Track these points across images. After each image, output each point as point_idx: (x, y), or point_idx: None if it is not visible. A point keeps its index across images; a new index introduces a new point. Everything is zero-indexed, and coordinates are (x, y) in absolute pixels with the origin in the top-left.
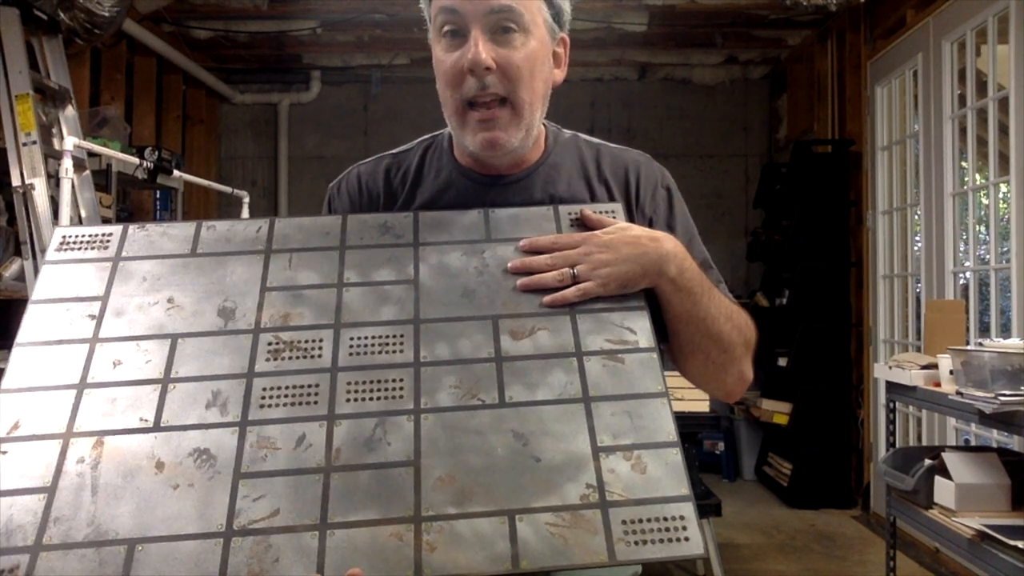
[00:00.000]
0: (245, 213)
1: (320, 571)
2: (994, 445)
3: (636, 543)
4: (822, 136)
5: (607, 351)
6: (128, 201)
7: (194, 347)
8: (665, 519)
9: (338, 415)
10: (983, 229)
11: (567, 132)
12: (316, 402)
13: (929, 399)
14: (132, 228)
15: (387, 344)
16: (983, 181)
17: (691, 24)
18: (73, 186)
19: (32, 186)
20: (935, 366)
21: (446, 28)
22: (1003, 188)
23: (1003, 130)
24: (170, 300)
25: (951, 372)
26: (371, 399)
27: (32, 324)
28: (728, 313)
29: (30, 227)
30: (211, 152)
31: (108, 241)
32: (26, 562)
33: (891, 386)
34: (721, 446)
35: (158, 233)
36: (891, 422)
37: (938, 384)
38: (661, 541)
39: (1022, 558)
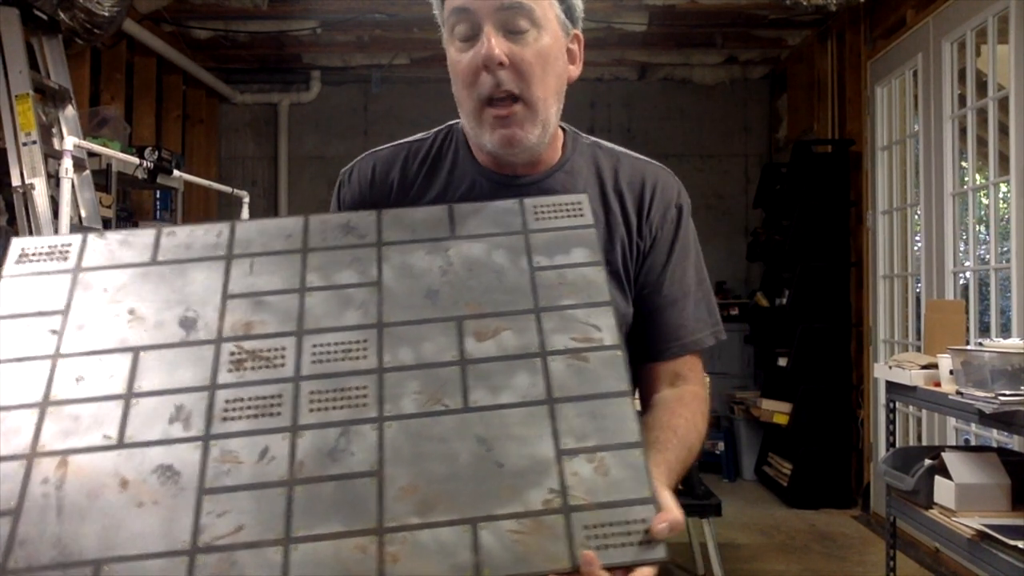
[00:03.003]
0: (245, 213)
1: None
2: (994, 445)
3: (598, 548)
4: (822, 136)
5: (572, 350)
6: (128, 201)
7: (156, 360)
8: (627, 523)
9: (301, 426)
10: (983, 229)
11: (587, 138)
12: (279, 413)
13: (929, 399)
14: (91, 237)
15: (350, 351)
16: (983, 181)
17: (691, 24)
18: (73, 186)
19: (32, 186)
20: (935, 366)
21: (459, 28)
22: (1003, 188)
23: (1003, 130)
24: (131, 311)
25: (951, 372)
26: (334, 408)
27: None
28: (695, 436)
29: (30, 227)
30: (211, 152)
31: (67, 251)
32: None
33: (891, 386)
34: (721, 446)
35: (117, 242)
36: (891, 422)
37: (938, 384)
38: (623, 545)
39: (1022, 558)
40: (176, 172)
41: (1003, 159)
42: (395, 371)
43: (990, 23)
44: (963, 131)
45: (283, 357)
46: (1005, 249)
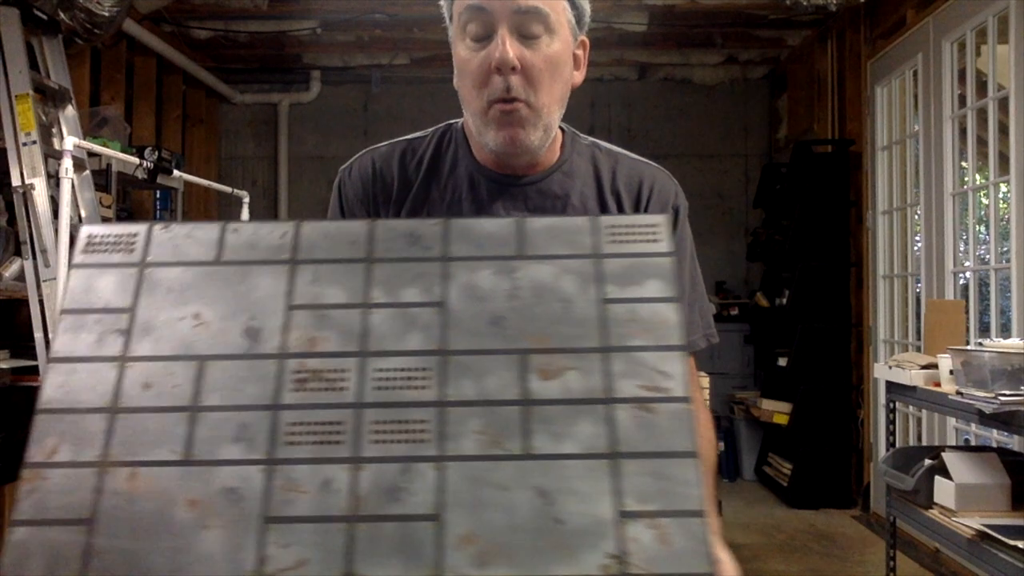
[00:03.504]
0: (245, 213)
1: None
2: (994, 445)
3: None
4: (822, 136)
5: (639, 399)
6: (128, 201)
7: (221, 371)
8: None
9: (363, 458)
10: (983, 229)
11: (586, 139)
12: (342, 442)
13: (929, 399)
14: (157, 229)
15: (412, 379)
16: (983, 181)
17: (691, 24)
18: (73, 186)
19: (32, 186)
20: (935, 366)
21: (471, 27)
22: (1003, 188)
23: (1003, 130)
24: (196, 316)
25: (951, 372)
26: (396, 442)
27: (65, 337)
28: (712, 453)
29: (30, 227)
30: (211, 152)
31: (133, 243)
32: None
33: (891, 386)
34: (721, 446)
35: (182, 235)
36: (891, 422)
37: (938, 384)
38: None
39: (1022, 558)
40: (176, 172)
41: (1003, 159)
42: (457, 406)
43: (990, 23)
44: (963, 131)
45: (345, 380)
46: (1005, 249)
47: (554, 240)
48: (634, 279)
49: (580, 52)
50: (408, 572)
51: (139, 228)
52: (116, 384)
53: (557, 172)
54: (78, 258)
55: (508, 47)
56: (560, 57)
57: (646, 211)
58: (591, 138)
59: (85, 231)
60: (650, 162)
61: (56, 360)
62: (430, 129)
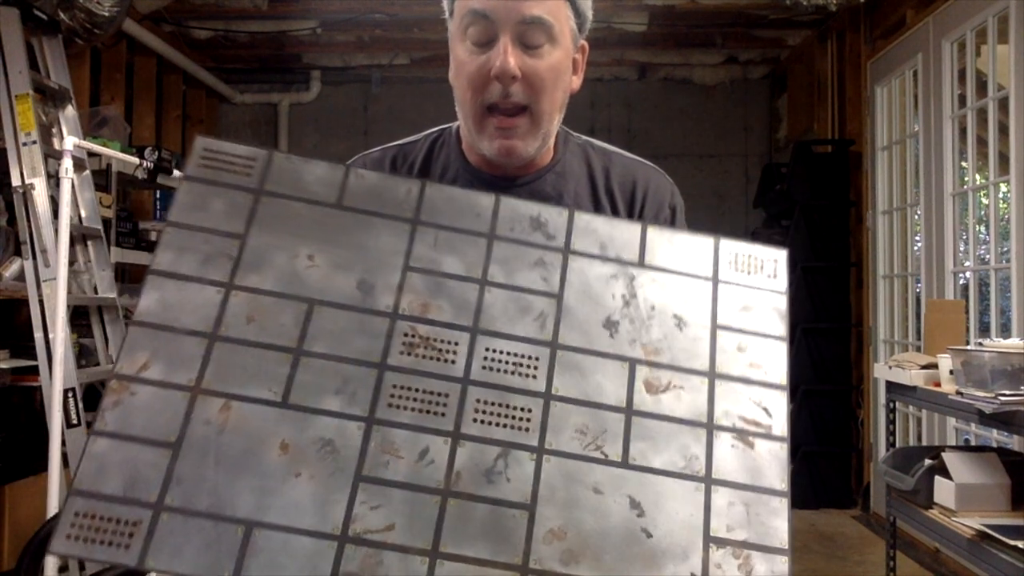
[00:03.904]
0: None
1: None
2: (994, 445)
3: None
4: (822, 136)
5: (740, 430)
6: (128, 201)
7: (330, 319)
8: None
9: (463, 435)
10: (983, 229)
11: (579, 137)
12: (443, 414)
13: (929, 399)
14: (277, 155)
15: (520, 365)
16: (983, 181)
17: (691, 24)
18: (73, 186)
19: (32, 186)
20: (935, 366)
21: (472, 30)
22: (1003, 188)
23: (1003, 130)
24: (310, 257)
25: (951, 372)
26: (497, 425)
27: (168, 250)
28: None
29: (30, 227)
30: None
31: (251, 167)
32: (148, 519)
33: (891, 386)
34: None
35: (304, 169)
36: (891, 422)
37: (938, 384)
38: None
39: (1022, 558)
40: (176, 172)
41: (1003, 159)
42: (561, 401)
43: (990, 23)
44: (963, 131)
45: (455, 353)
46: (1005, 249)
47: (676, 253)
48: (748, 310)
49: (579, 57)
50: (494, 556)
51: (259, 153)
52: (219, 311)
53: (550, 173)
54: (191, 169)
55: (509, 57)
56: (561, 65)
57: (641, 211)
58: (584, 137)
59: (201, 142)
60: (644, 160)
61: (157, 273)
62: (424, 133)
